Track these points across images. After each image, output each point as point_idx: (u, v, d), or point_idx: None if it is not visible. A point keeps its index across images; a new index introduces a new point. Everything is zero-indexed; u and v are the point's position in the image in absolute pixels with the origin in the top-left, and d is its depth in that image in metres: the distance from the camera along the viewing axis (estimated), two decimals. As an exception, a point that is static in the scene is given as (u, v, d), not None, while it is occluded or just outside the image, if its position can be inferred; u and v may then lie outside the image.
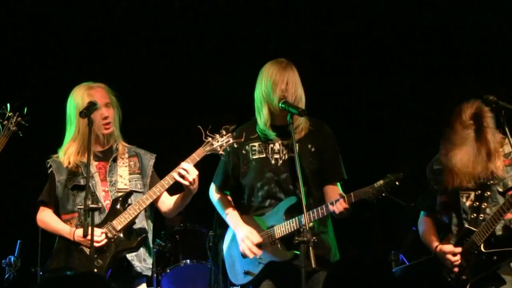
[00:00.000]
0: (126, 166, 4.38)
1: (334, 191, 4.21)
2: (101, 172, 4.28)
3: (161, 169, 4.39)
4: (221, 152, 4.20)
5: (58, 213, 4.35)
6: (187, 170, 4.13)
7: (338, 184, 4.29)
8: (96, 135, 4.29)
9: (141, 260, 4.28)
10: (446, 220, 4.28)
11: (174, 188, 4.36)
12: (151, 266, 4.39)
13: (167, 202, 4.36)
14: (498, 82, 6.37)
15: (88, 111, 4.06)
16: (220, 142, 4.18)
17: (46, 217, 4.34)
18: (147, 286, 5.64)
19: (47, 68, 6.89)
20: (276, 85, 4.12)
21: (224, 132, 4.18)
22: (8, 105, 4.36)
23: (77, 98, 4.29)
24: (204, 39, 7.36)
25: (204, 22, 7.27)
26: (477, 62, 6.73)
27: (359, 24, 7.17)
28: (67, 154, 4.32)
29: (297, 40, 7.23)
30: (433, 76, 6.93)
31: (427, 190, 4.42)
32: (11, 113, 4.33)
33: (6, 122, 4.34)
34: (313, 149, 4.26)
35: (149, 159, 4.43)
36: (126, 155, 4.40)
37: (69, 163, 4.31)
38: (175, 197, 4.36)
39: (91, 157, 4.24)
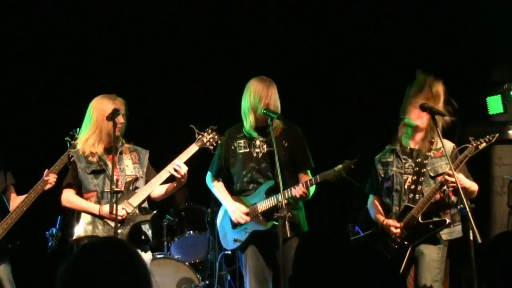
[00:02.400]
0: (129, 159, 4.87)
1: (304, 178, 4.77)
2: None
3: (161, 160, 4.88)
4: (208, 146, 4.81)
5: (79, 193, 4.78)
6: (180, 166, 4.70)
7: (308, 171, 4.85)
8: (108, 134, 4.74)
9: (147, 230, 4.81)
10: (389, 201, 4.81)
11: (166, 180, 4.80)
12: (151, 235, 4.86)
13: (158, 190, 4.88)
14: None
15: (113, 115, 4.61)
16: (208, 138, 4.82)
17: (73, 198, 4.79)
18: (159, 252, 6.54)
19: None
20: (261, 99, 4.71)
21: (210, 131, 4.84)
22: (78, 129, 4.89)
23: (103, 104, 4.78)
24: (199, 43, 7.64)
25: (203, 25, 7.58)
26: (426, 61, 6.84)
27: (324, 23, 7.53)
28: (85, 145, 4.79)
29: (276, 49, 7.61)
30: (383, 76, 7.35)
31: (375, 177, 4.94)
32: (78, 135, 4.88)
33: (73, 142, 4.89)
34: (286, 144, 4.81)
35: (145, 154, 4.95)
36: (128, 151, 4.90)
37: (84, 152, 4.77)
38: (165, 186, 4.87)
39: (103, 150, 4.78)
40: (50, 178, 4.83)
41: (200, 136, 4.84)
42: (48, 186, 4.82)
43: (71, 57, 7.36)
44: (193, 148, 4.81)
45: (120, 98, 4.90)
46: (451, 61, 7.05)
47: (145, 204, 4.84)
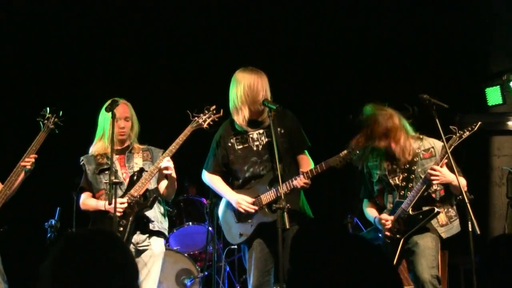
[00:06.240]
0: (140, 157, 4.94)
1: (303, 159, 4.82)
2: (121, 161, 4.89)
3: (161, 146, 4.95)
4: (205, 126, 4.85)
5: (93, 194, 4.92)
6: (168, 165, 4.74)
7: (306, 151, 4.85)
8: (114, 135, 4.69)
9: (159, 222, 4.88)
10: (383, 201, 4.86)
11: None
12: (166, 228, 4.96)
13: (162, 186, 4.93)
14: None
15: (112, 106, 4.64)
16: (204, 118, 4.85)
17: (86, 200, 4.93)
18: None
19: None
20: (259, 92, 4.66)
21: (206, 111, 4.88)
22: (48, 108, 4.90)
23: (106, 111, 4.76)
24: (193, 32, 7.63)
25: (196, 16, 7.54)
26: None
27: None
28: (95, 150, 4.93)
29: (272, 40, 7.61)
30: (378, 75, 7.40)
31: (364, 182, 4.95)
32: (50, 115, 4.89)
33: (46, 121, 4.87)
34: (282, 131, 4.78)
35: (159, 152, 4.95)
36: (140, 151, 4.96)
37: (96, 156, 4.91)
38: (165, 183, 4.92)
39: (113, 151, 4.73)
40: (28, 159, 4.77)
41: (196, 117, 4.88)
42: (28, 167, 4.76)
43: (57, 42, 7.32)
44: (188, 131, 4.84)
45: (123, 100, 4.93)
46: (450, 53, 7.13)
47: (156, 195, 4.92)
